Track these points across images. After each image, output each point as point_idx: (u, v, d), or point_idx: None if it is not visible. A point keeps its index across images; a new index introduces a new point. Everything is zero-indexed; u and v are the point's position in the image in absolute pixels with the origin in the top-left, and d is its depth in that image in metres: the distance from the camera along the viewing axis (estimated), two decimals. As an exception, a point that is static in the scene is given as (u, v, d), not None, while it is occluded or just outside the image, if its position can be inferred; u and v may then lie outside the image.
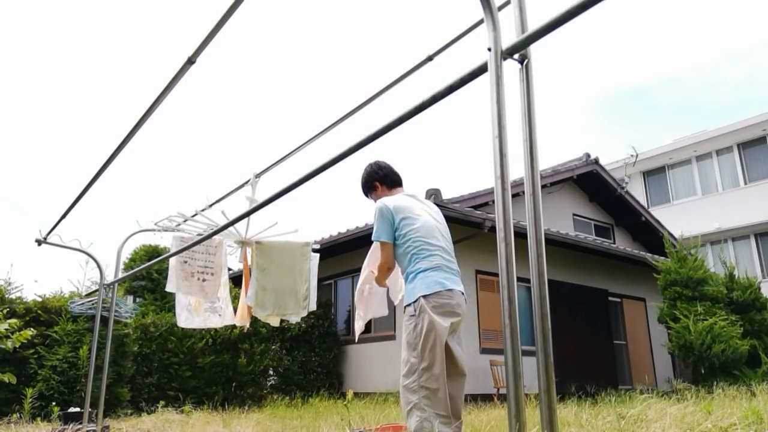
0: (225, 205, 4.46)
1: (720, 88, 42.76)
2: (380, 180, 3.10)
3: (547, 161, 16.29)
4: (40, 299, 7.11)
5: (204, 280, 4.50)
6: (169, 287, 4.43)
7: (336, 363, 10.45)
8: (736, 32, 37.33)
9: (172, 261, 4.36)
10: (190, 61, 2.37)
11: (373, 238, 2.89)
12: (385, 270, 2.90)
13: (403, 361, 2.63)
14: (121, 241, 5.08)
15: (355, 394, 6.20)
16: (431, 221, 2.88)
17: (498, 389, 8.75)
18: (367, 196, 3.22)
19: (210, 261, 4.56)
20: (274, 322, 4.30)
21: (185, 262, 4.42)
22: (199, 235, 4.54)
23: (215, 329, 8.42)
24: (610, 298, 11.98)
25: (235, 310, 4.55)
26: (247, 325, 4.43)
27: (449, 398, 2.54)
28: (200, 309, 4.51)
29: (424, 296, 2.63)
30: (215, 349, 8.48)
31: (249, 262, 4.33)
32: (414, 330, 2.61)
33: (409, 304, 2.70)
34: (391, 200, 2.90)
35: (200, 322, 4.56)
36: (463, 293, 2.77)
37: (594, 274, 11.65)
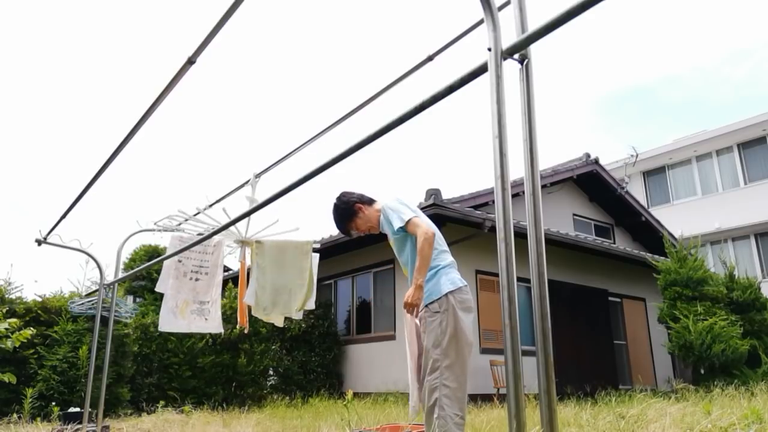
0: (225, 205, 4.45)
1: (722, 88, 42.77)
2: (359, 200, 3.01)
3: (547, 161, 16.31)
4: (40, 299, 7.11)
5: (197, 280, 4.45)
6: (159, 287, 4.39)
7: (336, 363, 10.45)
8: (739, 31, 37.34)
9: (167, 260, 4.33)
10: (190, 61, 2.37)
11: (399, 225, 2.70)
12: (432, 239, 2.64)
13: (427, 359, 2.58)
14: (121, 241, 5.08)
15: (355, 394, 6.19)
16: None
17: (498, 389, 8.75)
18: (350, 231, 3.04)
19: (206, 260, 4.52)
20: (278, 322, 4.28)
21: (179, 261, 4.39)
22: (199, 234, 4.54)
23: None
24: (610, 298, 11.97)
25: (233, 312, 4.52)
26: (246, 327, 4.40)
27: None
28: (186, 311, 4.40)
29: (451, 292, 2.63)
30: (215, 349, 8.48)
31: (248, 262, 4.32)
32: (440, 326, 2.57)
33: (433, 302, 2.63)
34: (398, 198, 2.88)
35: (185, 326, 4.38)
36: None
37: (594, 274, 11.65)
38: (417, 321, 2.81)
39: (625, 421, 3.70)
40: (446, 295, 2.62)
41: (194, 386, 8.08)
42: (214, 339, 8.48)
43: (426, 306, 2.66)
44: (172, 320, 4.37)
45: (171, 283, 4.36)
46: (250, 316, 4.21)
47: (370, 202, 3.02)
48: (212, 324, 4.52)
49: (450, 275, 2.70)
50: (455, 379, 2.51)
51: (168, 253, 4.31)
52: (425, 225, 2.67)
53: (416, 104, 1.61)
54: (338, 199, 3.05)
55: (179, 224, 4.75)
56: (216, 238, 4.47)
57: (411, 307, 2.64)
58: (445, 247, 2.83)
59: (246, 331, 4.38)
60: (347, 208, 3.01)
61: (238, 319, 4.39)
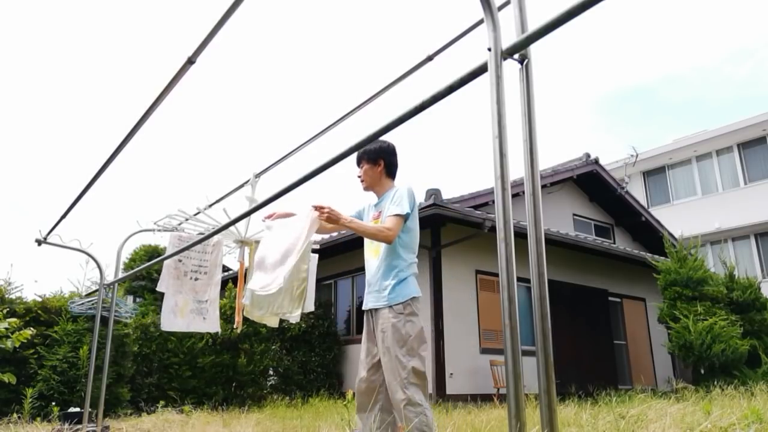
0: (225, 205, 4.45)
1: (723, 87, 42.79)
2: (388, 164, 3.03)
3: (547, 161, 16.33)
4: (40, 299, 7.10)
5: (196, 279, 4.46)
6: (160, 287, 4.39)
7: (336, 363, 10.45)
8: (740, 31, 37.32)
9: (168, 260, 4.33)
10: (190, 61, 2.37)
11: (404, 212, 2.79)
12: (387, 241, 2.79)
13: (393, 359, 2.71)
14: (121, 241, 5.08)
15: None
16: None
17: (498, 389, 8.74)
18: (359, 163, 3.05)
19: (205, 260, 4.52)
20: (272, 323, 4.26)
21: (179, 260, 4.39)
22: (199, 234, 4.54)
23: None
24: (610, 298, 11.98)
25: (233, 311, 4.51)
26: (238, 328, 4.39)
27: None
28: (186, 310, 4.40)
29: (414, 298, 2.81)
30: (215, 349, 8.48)
31: (247, 262, 4.31)
32: (404, 327, 2.73)
33: (398, 303, 2.78)
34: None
35: (184, 325, 4.39)
36: None
37: (594, 274, 11.65)
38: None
39: (625, 421, 3.70)
40: (411, 299, 2.79)
41: (194, 386, 8.08)
42: (214, 339, 8.47)
43: (390, 307, 2.78)
44: (172, 320, 4.39)
45: (171, 282, 4.37)
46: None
47: (389, 176, 3.05)
48: (210, 323, 4.53)
49: (415, 284, 2.88)
50: (423, 376, 2.71)
51: (167, 252, 4.30)
52: (397, 231, 2.79)
53: (416, 104, 1.61)
54: (388, 144, 3.05)
55: (179, 224, 4.75)
56: (215, 237, 4.47)
57: (322, 211, 2.79)
58: (416, 259, 2.96)
59: (238, 330, 4.38)
60: (379, 154, 3.00)
61: (235, 318, 4.39)
